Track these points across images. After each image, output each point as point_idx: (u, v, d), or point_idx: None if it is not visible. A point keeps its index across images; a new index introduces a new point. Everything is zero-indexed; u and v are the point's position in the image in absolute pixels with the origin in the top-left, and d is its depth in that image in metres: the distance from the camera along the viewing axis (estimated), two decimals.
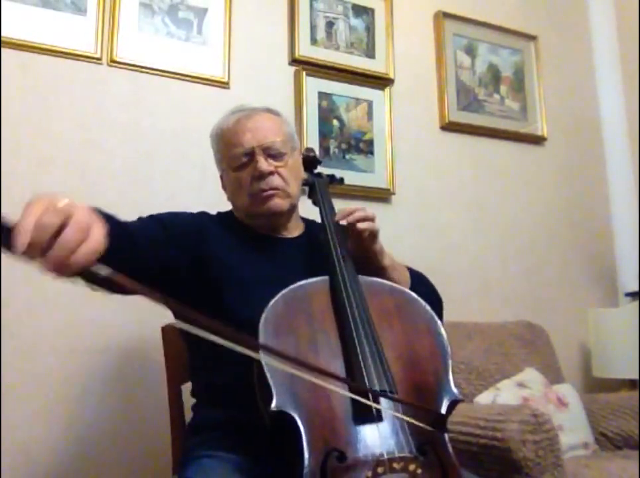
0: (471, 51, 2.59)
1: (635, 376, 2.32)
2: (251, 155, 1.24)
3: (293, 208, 1.31)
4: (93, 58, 1.89)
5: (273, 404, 0.93)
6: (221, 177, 1.36)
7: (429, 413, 0.96)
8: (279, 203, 1.25)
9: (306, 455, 0.89)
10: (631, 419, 2.02)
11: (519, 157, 2.63)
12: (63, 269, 0.69)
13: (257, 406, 1.01)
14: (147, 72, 1.96)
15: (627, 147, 2.82)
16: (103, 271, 0.70)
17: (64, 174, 1.81)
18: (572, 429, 1.93)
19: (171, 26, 2.02)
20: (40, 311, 1.72)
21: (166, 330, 1.48)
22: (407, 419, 0.91)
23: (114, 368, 1.77)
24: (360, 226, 1.19)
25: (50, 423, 1.69)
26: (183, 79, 2.01)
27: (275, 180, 1.24)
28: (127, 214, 1.84)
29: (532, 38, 2.73)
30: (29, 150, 1.78)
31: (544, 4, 2.84)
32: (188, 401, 1.35)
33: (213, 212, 1.37)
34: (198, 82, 2.04)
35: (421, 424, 0.90)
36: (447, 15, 2.54)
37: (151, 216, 1.23)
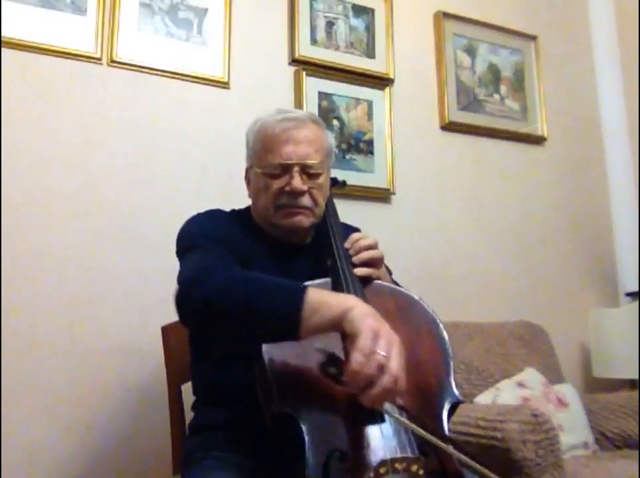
0: (471, 51, 2.59)
1: (635, 376, 2.32)
2: (287, 168, 1.22)
3: (314, 225, 1.29)
4: (93, 58, 1.89)
5: (275, 405, 0.93)
6: (247, 170, 1.33)
7: (433, 427, 0.95)
8: (302, 221, 1.24)
9: (308, 455, 0.88)
10: (631, 419, 2.02)
11: (519, 157, 2.63)
12: (372, 405, 0.87)
13: (259, 406, 1.01)
14: (147, 72, 1.96)
15: (627, 146, 2.82)
16: (400, 401, 0.90)
17: (64, 174, 1.81)
18: (572, 429, 1.93)
19: (171, 26, 2.02)
20: (40, 311, 1.72)
21: (166, 330, 1.48)
22: (409, 424, 0.91)
23: (114, 368, 1.77)
24: (363, 255, 1.19)
25: (50, 423, 1.69)
26: (183, 79, 2.01)
27: (305, 200, 1.22)
28: (127, 214, 1.85)
29: (532, 38, 2.73)
30: (29, 150, 1.78)
31: (544, 4, 2.83)
32: (188, 401, 1.34)
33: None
34: (198, 82, 2.04)
35: (422, 431, 0.89)
36: (447, 15, 2.54)
37: (213, 241, 1.17)
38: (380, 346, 0.85)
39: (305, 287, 0.94)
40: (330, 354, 0.88)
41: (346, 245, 1.21)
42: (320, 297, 0.93)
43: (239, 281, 1.00)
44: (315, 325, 0.91)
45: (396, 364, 0.85)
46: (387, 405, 0.90)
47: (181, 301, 1.02)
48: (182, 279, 1.06)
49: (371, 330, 0.86)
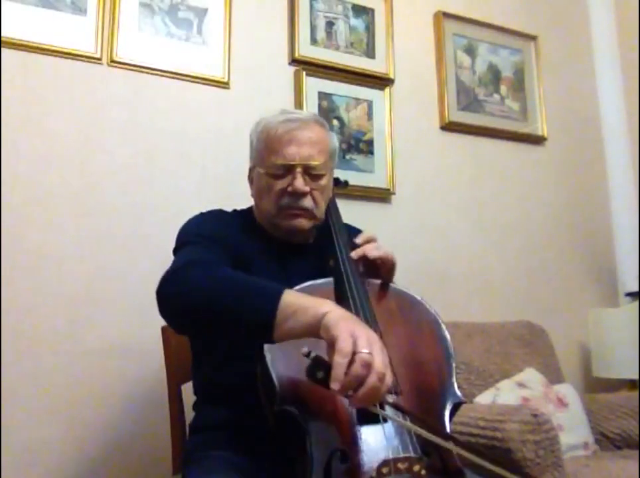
0: (471, 51, 2.59)
1: (635, 376, 2.32)
2: (290, 169, 1.21)
3: (315, 227, 1.29)
4: (93, 58, 1.89)
5: (277, 404, 0.93)
6: (250, 170, 1.33)
7: (435, 427, 0.95)
8: (303, 223, 1.24)
9: (310, 455, 0.88)
10: (631, 419, 2.02)
11: (519, 157, 2.63)
12: (363, 405, 0.85)
13: (260, 406, 1.01)
14: (147, 72, 1.96)
15: (627, 146, 2.82)
16: (390, 399, 0.89)
17: (64, 174, 1.81)
18: (572, 429, 1.93)
19: (171, 26, 2.02)
20: (40, 311, 1.72)
21: (166, 330, 1.48)
22: (405, 423, 0.91)
23: (114, 368, 1.77)
24: (371, 253, 1.19)
25: (50, 423, 1.69)
26: (183, 79, 2.01)
27: (307, 202, 1.22)
28: (127, 214, 1.85)
29: (532, 38, 2.73)
30: (29, 150, 1.78)
31: (544, 4, 2.83)
32: (188, 401, 1.35)
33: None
34: (198, 82, 2.03)
35: (424, 432, 0.89)
36: (447, 15, 2.54)
37: (207, 240, 1.17)
38: (360, 346, 0.82)
39: (282, 290, 0.92)
40: (316, 358, 0.84)
41: (357, 241, 1.21)
42: (296, 302, 0.91)
43: (217, 279, 0.98)
44: (289, 330, 0.89)
45: (379, 360, 0.83)
46: (387, 409, 0.90)
47: (158, 295, 1.01)
48: (164, 274, 1.05)
49: (347, 332, 0.84)
